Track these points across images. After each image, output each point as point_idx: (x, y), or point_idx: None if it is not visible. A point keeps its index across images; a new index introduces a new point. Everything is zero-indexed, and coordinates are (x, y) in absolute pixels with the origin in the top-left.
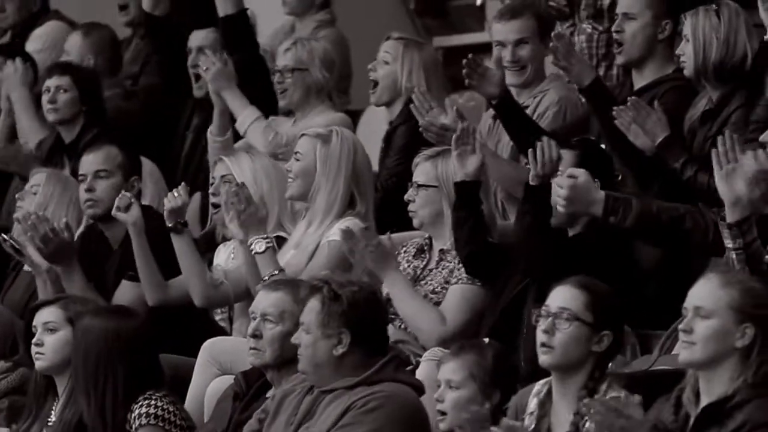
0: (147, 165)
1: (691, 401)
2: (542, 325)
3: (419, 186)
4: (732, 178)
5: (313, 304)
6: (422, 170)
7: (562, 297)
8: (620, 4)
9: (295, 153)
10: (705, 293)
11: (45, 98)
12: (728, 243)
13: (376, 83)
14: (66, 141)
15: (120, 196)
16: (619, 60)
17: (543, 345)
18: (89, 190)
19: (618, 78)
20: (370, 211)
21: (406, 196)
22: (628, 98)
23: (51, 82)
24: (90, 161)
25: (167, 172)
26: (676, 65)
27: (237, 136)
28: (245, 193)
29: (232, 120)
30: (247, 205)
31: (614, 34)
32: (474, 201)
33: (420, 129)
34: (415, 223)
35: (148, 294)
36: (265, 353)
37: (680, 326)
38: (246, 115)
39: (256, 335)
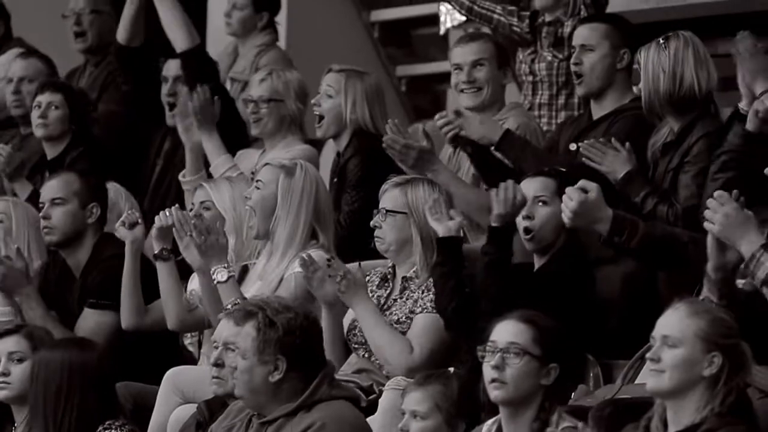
0: (132, 199)
1: (659, 430)
2: (491, 360)
3: (387, 212)
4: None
5: (249, 330)
6: (390, 197)
7: (510, 332)
8: (577, 36)
9: (257, 181)
10: (673, 322)
11: (35, 113)
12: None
13: (321, 117)
14: (49, 157)
15: (128, 212)
16: (580, 91)
17: (494, 380)
18: (45, 217)
19: (579, 106)
20: (332, 244)
21: (372, 222)
22: (579, 143)
23: (43, 98)
24: (47, 188)
25: (135, 199)
26: (634, 94)
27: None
28: (205, 223)
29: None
30: (207, 235)
31: (573, 66)
32: (458, 257)
33: (383, 145)
34: (382, 248)
35: (126, 317)
36: (227, 382)
37: (648, 355)
38: (220, 163)
39: (219, 364)
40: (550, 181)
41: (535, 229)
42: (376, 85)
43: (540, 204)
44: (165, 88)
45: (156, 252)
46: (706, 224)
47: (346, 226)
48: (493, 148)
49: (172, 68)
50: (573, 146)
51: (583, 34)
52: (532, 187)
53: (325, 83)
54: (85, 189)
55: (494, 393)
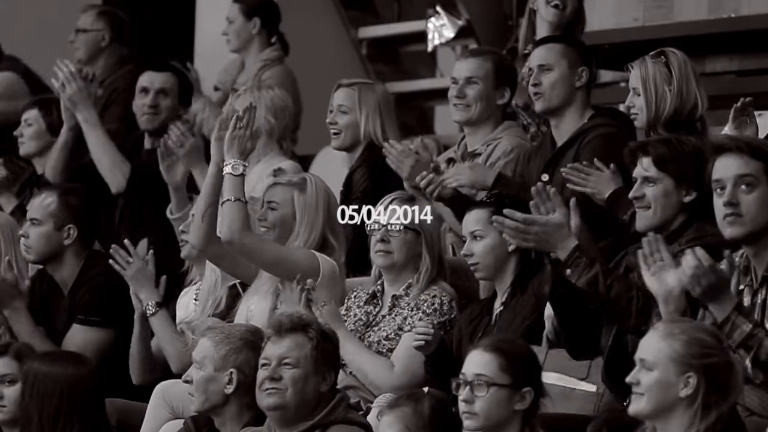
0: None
1: None
2: (461, 394)
3: (404, 228)
4: (661, 275)
5: (302, 341)
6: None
7: (476, 363)
8: (534, 57)
9: (269, 203)
10: (650, 345)
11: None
12: None
13: (336, 132)
14: (39, 172)
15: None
16: (538, 107)
17: (465, 412)
18: (23, 236)
19: None
20: (343, 255)
21: (380, 236)
22: (562, 169)
23: (30, 115)
24: (30, 206)
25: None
26: (592, 111)
27: None
28: (253, 116)
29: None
30: (246, 129)
31: (531, 88)
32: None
33: (383, 152)
34: (386, 263)
35: (138, 375)
36: (195, 399)
37: (628, 378)
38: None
39: (187, 381)
40: (483, 212)
41: (478, 263)
42: (385, 94)
43: (477, 239)
44: (147, 99)
45: (143, 310)
46: (687, 287)
47: (349, 239)
48: (487, 192)
49: (156, 81)
50: (545, 176)
51: (540, 54)
52: (466, 221)
53: (338, 100)
54: (61, 210)
55: (466, 423)
